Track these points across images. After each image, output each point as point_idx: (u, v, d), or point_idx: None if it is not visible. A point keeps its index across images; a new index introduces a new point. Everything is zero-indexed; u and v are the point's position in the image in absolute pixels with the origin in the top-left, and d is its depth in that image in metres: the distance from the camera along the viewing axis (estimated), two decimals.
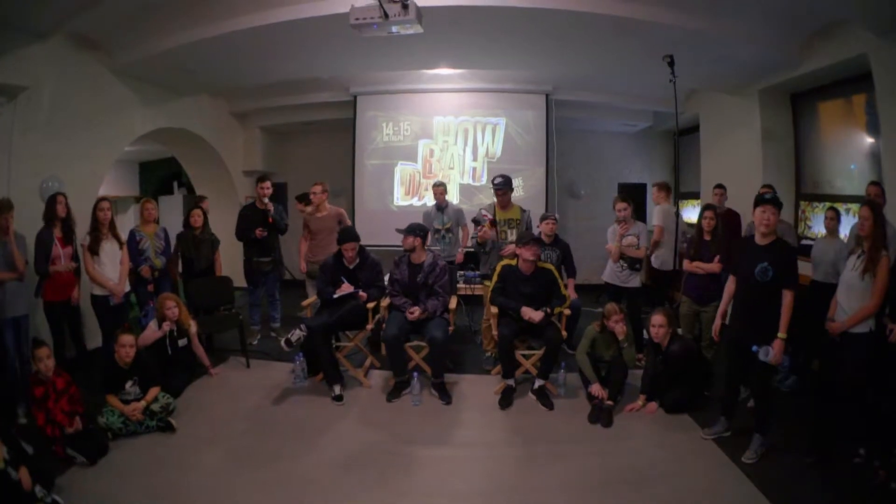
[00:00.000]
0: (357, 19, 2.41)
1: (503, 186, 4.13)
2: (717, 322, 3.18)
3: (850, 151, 4.52)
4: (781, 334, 2.75)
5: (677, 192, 7.42)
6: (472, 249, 4.30)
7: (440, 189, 5.07)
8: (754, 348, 2.76)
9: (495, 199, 4.22)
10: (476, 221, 4.13)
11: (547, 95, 6.25)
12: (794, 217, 5.08)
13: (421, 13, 2.44)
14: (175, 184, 9.22)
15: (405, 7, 2.33)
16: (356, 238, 3.93)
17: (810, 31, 4.05)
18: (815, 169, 4.93)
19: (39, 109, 4.07)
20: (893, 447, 2.64)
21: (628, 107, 6.49)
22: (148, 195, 9.12)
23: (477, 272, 4.66)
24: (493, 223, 4.08)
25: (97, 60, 4.53)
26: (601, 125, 7.28)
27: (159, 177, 9.72)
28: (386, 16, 2.32)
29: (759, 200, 2.86)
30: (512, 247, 4.03)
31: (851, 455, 2.80)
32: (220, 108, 6.66)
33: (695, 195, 6.61)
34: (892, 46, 3.47)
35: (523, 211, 4.26)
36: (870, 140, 4.24)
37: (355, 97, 6.47)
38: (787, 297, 2.77)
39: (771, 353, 2.73)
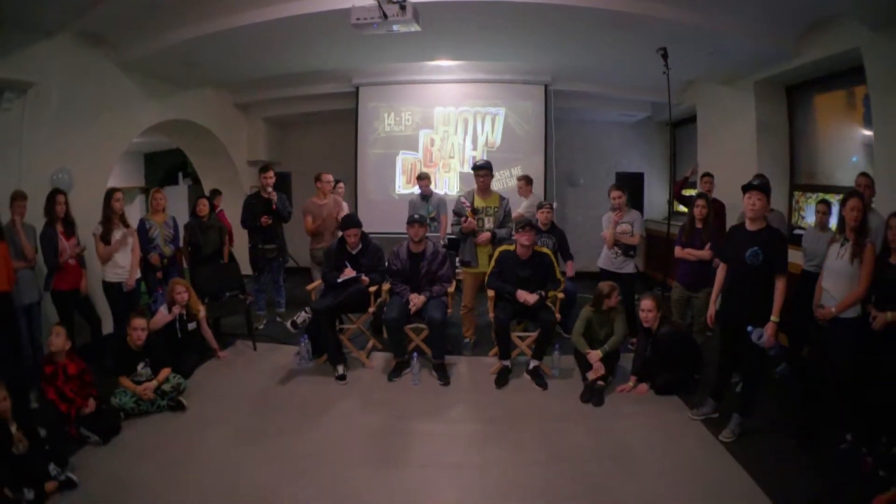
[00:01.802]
0: (358, 19, 2.54)
1: (485, 167, 4.27)
2: (711, 309, 3.26)
3: (845, 143, 4.54)
4: (774, 317, 2.83)
5: (673, 181, 7.52)
6: (454, 237, 4.42)
7: (425, 182, 5.25)
8: (749, 328, 2.83)
9: (475, 186, 4.35)
10: (458, 213, 4.26)
11: (546, 86, 6.33)
12: (788, 207, 5.15)
13: (418, 12, 2.56)
14: (180, 174, 9.35)
15: (403, 8, 2.46)
16: (358, 224, 4.09)
17: (804, 24, 4.08)
18: (810, 160, 4.98)
19: (48, 104, 4.16)
20: (881, 435, 2.67)
21: (626, 97, 6.57)
22: (153, 186, 9.26)
23: None
24: (475, 212, 4.22)
25: (103, 55, 4.62)
26: (600, 115, 7.36)
27: (164, 167, 9.82)
28: (385, 16, 2.45)
29: (747, 187, 2.96)
30: (487, 235, 4.18)
31: (838, 441, 2.85)
32: (224, 99, 6.76)
33: (692, 184, 6.69)
34: (885, 40, 3.50)
35: (502, 199, 4.34)
36: (865, 132, 4.25)
37: (357, 88, 6.56)
38: (780, 283, 2.85)
39: (764, 335, 2.81)
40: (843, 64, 4.11)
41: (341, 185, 5.71)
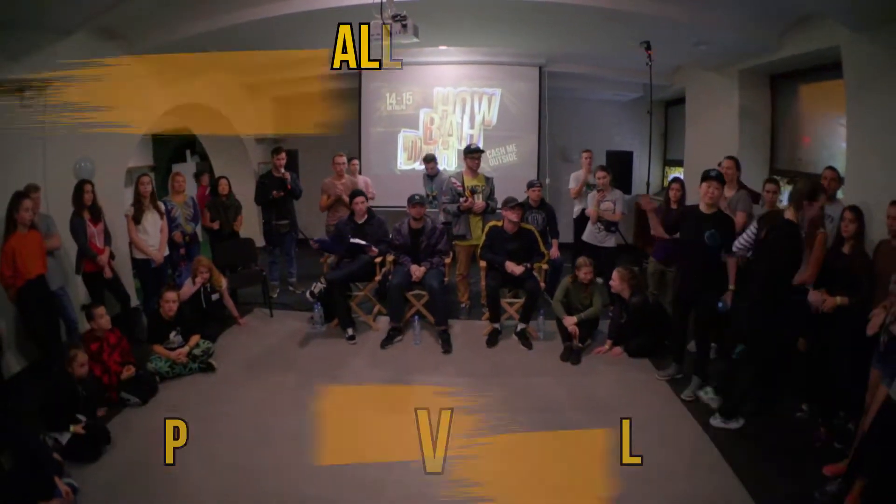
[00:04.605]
0: None
1: (479, 151, 4.85)
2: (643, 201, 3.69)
3: (827, 132, 4.63)
4: (732, 286, 3.26)
5: (664, 160, 7.83)
6: (448, 216, 4.84)
7: (431, 165, 5.62)
8: (720, 305, 3.25)
9: (463, 168, 4.83)
10: (457, 193, 4.70)
11: (540, 68, 6.56)
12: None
13: (418, 28, 2.93)
14: (188, 152, 9.58)
15: (405, 26, 2.84)
16: (362, 193, 4.61)
17: (787, 21, 4.19)
18: (791, 147, 5.11)
19: (67, 98, 4.23)
20: (838, 408, 2.86)
21: (618, 79, 6.80)
22: (161, 165, 9.52)
23: None
24: (473, 192, 4.68)
25: (119, 48, 4.70)
26: (593, 94, 7.56)
27: (172, 146, 9.97)
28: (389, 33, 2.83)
29: (705, 176, 3.29)
30: (482, 204, 4.69)
31: (794, 409, 3.12)
32: (232, 80, 6.95)
33: (680, 163, 7.03)
34: (863, 41, 3.54)
35: (488, 179, 4.82)
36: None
37: (361, 69, 6.83)
38: (731, 260, 3.24)
39: (727, 302, 3.26)
40: (826, 59, 4.12)
41: (355, 161, 6.06)
